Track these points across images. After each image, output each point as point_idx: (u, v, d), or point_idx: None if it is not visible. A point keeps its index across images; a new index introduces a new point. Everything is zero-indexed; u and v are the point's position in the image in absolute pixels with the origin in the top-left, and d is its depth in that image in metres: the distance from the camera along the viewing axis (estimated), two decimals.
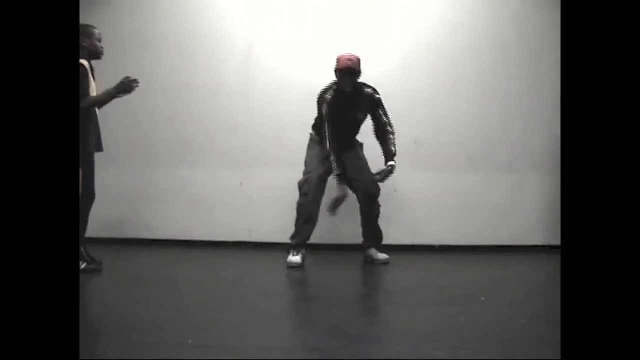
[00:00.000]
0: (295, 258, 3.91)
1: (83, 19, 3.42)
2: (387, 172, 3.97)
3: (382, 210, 4.07)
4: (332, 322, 2.65)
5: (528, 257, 4.42)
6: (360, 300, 3.20)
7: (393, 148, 4.01)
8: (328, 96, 3.95)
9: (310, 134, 4.14)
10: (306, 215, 3.95)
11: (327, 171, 3.94)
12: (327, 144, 3.88)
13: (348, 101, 3.97)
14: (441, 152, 4.66)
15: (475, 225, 4.64)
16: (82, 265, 3.52)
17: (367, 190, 4.00)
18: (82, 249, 3.54)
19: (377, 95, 4.03)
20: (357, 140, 4.14)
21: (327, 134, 3.89)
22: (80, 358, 1.65)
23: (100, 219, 3.89)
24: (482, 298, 3.03)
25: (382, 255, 4.09)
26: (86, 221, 3.59)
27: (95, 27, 3.61)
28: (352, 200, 4.11)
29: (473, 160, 4.66)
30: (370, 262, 4.08)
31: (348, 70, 3.88)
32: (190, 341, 2.25)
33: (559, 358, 1.50)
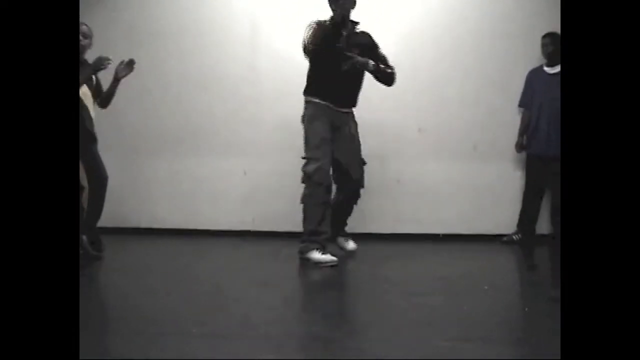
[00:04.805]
0: (328, 256, 3.55)
1: (88, 12, 3.42)
2: (361, 62, 3.55)
3: (385, 199, 4.05)
4: (335, 311, 2.67)
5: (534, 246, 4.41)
6: (363, 289, 3.21)
7: (384, 67, 3.70)
8: (313, 22, 3.50)
9: (308, 101, 3.65)
10: (325, 206, 3.59)
11: (332, 154, 3.64)
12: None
13: (343, 34, 3.50)
14: (445, 140, 4.64)
15: (480, 214, 4.63)
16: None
17: (357, 187, 3.80)
18: (84, 237, 3.57)
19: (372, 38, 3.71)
20: (352, 113, 3.76)
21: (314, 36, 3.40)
22: (82, 348, 1.66)
23: (105, 209, 3.90)
24: (486, 287, 3.03)
25: (353, 244, 3.96)
26: (91, 210, 3.61)
27: (83, 24, 3.38)
28: None
29: (478, 149, 4.64)
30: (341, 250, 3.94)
31: None
32: (194, 330, 2.27)
33: (559, 358, 1.49)
